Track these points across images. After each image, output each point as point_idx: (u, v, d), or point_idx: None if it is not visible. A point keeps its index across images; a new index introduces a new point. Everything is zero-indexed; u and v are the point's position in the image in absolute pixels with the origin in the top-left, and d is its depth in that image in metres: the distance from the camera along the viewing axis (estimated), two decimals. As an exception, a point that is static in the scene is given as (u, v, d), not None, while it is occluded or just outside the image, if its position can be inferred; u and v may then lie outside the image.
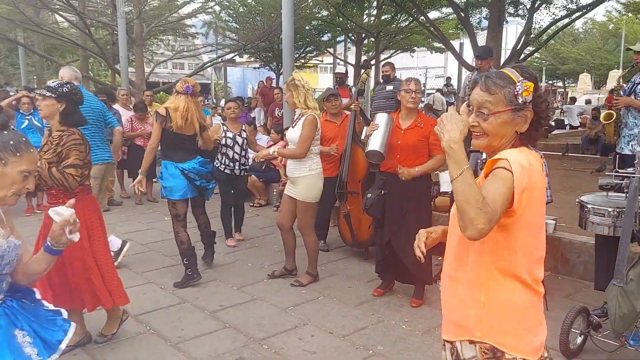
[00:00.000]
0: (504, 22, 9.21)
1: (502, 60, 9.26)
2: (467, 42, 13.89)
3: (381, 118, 3.91)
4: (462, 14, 9.52)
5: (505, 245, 1.49)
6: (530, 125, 1.53)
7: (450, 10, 13.17)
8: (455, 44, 13.72)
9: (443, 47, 16.37)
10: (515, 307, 1.51)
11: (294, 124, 4.20)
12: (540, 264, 1.58)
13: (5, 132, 1.73)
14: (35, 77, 17.56)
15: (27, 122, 6.69)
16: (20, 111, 6.72)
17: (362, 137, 4.17)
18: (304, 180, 4.15)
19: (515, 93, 1.49)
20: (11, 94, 9.59)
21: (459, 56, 10.85)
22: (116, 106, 7.45)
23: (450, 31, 15.52)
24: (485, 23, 10.74)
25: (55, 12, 13.27)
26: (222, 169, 5.37)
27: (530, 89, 1.49)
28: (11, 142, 1.70)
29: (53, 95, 3.07)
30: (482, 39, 10.16)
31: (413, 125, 3.80)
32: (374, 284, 4.28)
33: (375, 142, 3.87)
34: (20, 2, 11.12)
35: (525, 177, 1.43)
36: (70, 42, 13.52)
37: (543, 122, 1.54)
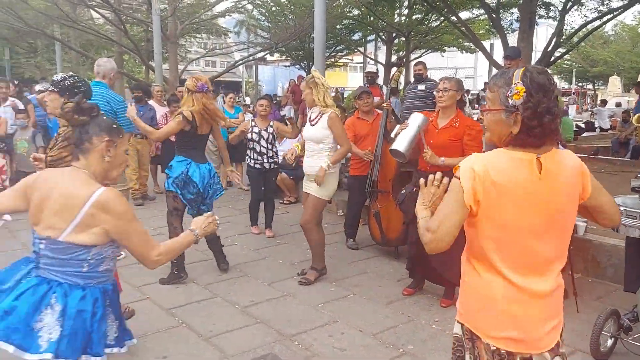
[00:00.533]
0: (535, 24, 9.06)
1: (533, 62, 9.11)
2: (497, 43, 13.71)
3: (415, 118, 3.90)
4: (494, 15, 9.41)
5: (474, 238, 1.62)
6: (522, 129, 1.52)
7: (481, 11, 13.02)
8: (486, 44, 13.53)
9: (473, 47, 16.18)
10: (486, 295, 1.61)
11: (313, 122, 4.20)
12: (537, 266, 1.59)
13: (103, 116, 1.92)
14: (71, 72, 18.00)
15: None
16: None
17: (392, 135, 4.17)
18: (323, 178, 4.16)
19: (507, 95, 1.53)
20: (39, 88, 9.86)
21: (489, 56, 10.70)
22: (151, 102, 7.60)
23: (480, 32, 15.31)
24: (516, 25, 10.59)
25: (91, 9, 13.59)
26: (252, 165, 5.51)
27: (521, 93, 1.50)
28: (113, 125, 1.91)
29: (55, 89, 3.03)
30: (512, 40, 10.01)
31: (448, 125, 3.77)
32: (403, 283, 4.28)
33: (399, 141, 3.87)
34: (57, -1, 11.42)
35: (474, 181, 1.53)
36: (106, 38, 13.80)
37: (533, 129, 1.52)
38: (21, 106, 7.14)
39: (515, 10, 10.35)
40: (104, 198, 1.79)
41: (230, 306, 3.86)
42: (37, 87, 9.93)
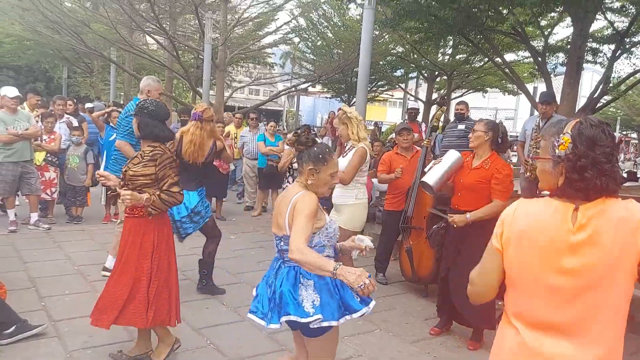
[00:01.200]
0: (582, 69, 8.98)
1: (577, 108, 8.98)
2: (541, 86, 13.57)
3: (449, 155, 3.96)
4: (539, 59, 9.38)
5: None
6: (565, 180, 1.48)
7: (526, 53, 12.98)
8: (529, 87, 13.43)
9: (515, 89, 16.06)
10: (497, 343, 1.64)
11: (344, 154, 4.33)
12: (553, 326, 1.49)
13: (315, 147, 2.42)
14: (122, 93, 18.92)
15: (115, 134, 7.16)
16: (111, 125, 7.21)
17: (425, 170, 4.21)
18: (350, 208, 4.25)
19: (554, 145, 1.52)
20: (89, 106, 10.37)
21: (532, 100, 10.62)
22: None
23: (524, 75, 15.23)
24: (560, 69, 10.50)
25: (147, 34, 14.34)
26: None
27: (566, 144, 1.48)
28: (320, 156, 2.38)
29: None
30: (557, 84, 9.92)
31: (479, 166, 3.78)
32: (431, 322, 4.22)
33: (430, 175, 3.93)
34: (117, 24, 12.11)
35: (503, 224, 1.58)
36: (159, 62, 14.45)
37: (575, 182, 1.46)
38: (76, 123, 7.54)
39: (561, 54, 10.28)
40: (295, 198, 2.32)
41: (258, 331, 3.89)
42: (88, 105, 10.52)
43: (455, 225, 3.72)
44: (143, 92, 4.72)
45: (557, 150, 1.50)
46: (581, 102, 10.00)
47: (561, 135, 1.51)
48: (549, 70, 9.32)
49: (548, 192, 1.58)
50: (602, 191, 1.46)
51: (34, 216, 6.55)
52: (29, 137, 6.34)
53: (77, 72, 21.64)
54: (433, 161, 4.13)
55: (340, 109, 4.47)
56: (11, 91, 6.33)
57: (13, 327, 3.42)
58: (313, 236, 2.33)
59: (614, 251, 1.43)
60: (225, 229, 7.11)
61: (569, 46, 8.94)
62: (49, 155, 6.85)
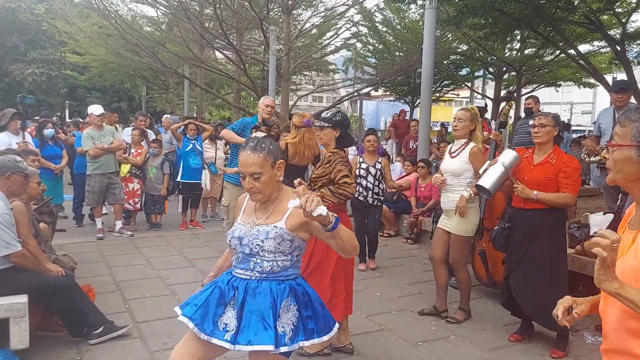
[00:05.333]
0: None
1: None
2: (621, 76, 12.63)
3: (506, 154, 3.76)
4: (618, 47, 8.74)
5: None
6: None
7: (602, 43, 12.17)
8: (608, 78, 12.54)
9: (592, 81, 15.08)
10: None
11: (454, 154, 4.14)
12: None
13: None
14: (195, 107, 19.85)
15: (191, 145, 7.62)
16: (187, 136, 7.66)
17: (480, 171, 3.96)
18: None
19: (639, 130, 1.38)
20: (174, 118, 11.01)
21: (613, 91, 9.91)
22: (263, 135, 8.14)
23: (602, 65, 14.24)
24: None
25: (217, 50, 14.97)
26: (357, 196, 5.56)
27: None
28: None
29: (329, 124, 3.54)
30: (638, 73, 9.20)
31: (544, 161, 3.61)
32: (510, 328, 4.04)
33: (486, 177, 3.75)
34: (189, 42, 12.79)
35: None
36: (228, 76, 15.07)
37: None
38: (152, 136, 8.04)
39: (644, 40, 9.53)
40: None
41: (329, 334, 3.92)
42: (173, 117, 11.26)
43: (516, 193, 3.60)
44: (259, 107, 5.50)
45: None
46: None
47: None
48: (630, 58, 8.67)
49: None
50: None
51: (119, 224, 7.03)
52: (114, 150, 6.89)
53: (155, 89, 23.03)
54: (488, 162, 3.91)
55: (472, 107, 4.34)
56: (97, 109, 6.98)
57: (101, 328, 3.68)
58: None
59: None
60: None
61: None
62: (133, 167, 7.35)
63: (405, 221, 7.19)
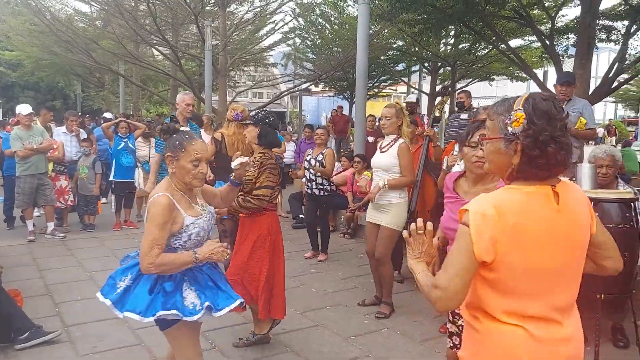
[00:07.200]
0: (594, 49, 8.70)
1: (591, 89, 8.73)
2: (551, 70, 13.31)
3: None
4: (547, 42, 9.15)
5: (486, 290, 1.46)
6: (523, 160, 1.41)
7: (533, 37, 12.74)
8: (539, 72, 13.17)
9: (525, 75, 15.81)
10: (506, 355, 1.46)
11: (384, 149, 4.20)
12: (560, 312, 1.46)
13: (175, 135, 2.33)
14: (131, 104, 19.17)
15: (123, 143, 7.39)
16: (119, 134, 7.42)
17: (444, 168, 4.03)
18: (395, 207, 4.14)
19: (506, 122, 1.44)
20: (105, 116, 10.65)
21: (542, 85, 10.39)
22: (201, 130, 7.97)
23: (533, 59, 14.94)
24: (572, 50, 10.22)
25: (152, 47, 14.53)
26: (307, 189, 5.89)
27: (520, 120, 1.40)
28: (177, 142, 2.28)
29: (252, 122, 3.52)
30: (568, 67, 9.66)
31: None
32: (441, 319, 4.13)
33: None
34: (123, 38, 12.37)
35: (489, 227, 1.38)
36: (163, 73, 14.73)
37: (535, 159, 1.40)
38: (84, 135, 7.72)
39: (571, 35, 9.98)
40: (149, 202, 2.28)
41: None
42: (107, 115, 10.84)
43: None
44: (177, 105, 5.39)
45: (509, 128, 1.43)
46: (596, 83, 9.72)
47: (512, 112, 1.43)
48: (559, 52, 9.07)
49: None
50: (562, 165, 1.43)
51: (50, 225, 6.80)
52: (44, 151, 6.65)
53: (90, 86, 22.17)
54: (448, 158, 3.84)
55: (397, 102, 4.38)
56: (25, 109, 6.68)
57: (27, 333, 3.58)
58: (170, 242, 2.28)
59: (586, 228, 1.49)
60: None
61: (578, 26, 8.67)
62: (56, 165, 7.09)
63: (342, 216, 7.26)
